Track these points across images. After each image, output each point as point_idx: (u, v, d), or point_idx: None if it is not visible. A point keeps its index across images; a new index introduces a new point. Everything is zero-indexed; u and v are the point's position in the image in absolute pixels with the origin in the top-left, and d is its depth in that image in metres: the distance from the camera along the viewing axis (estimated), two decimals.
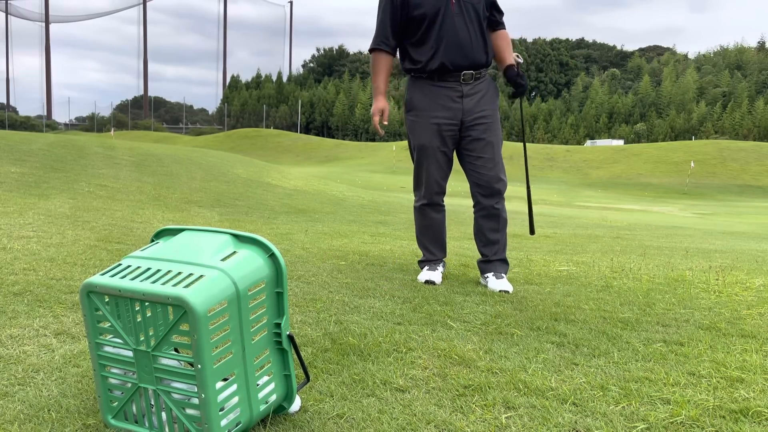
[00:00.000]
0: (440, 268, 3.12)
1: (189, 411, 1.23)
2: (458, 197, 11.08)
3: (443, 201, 3.12)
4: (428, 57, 2.89)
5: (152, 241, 1.42)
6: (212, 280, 1.21)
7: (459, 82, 2.89)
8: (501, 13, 3.02)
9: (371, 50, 3.01)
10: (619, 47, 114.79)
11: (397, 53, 3.05)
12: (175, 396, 1.25)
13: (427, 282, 2.97)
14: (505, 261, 3.03)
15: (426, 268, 3.12)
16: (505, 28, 3.06)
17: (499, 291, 2.83)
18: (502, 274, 2.96)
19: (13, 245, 3.26)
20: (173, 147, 17.72)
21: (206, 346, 1.17)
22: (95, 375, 1.31)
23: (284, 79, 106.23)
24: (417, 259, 3.32)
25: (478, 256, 3.10)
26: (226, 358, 1.24)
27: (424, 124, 2.94)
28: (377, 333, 2.06)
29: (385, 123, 2.97)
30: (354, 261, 3.59)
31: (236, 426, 1.26)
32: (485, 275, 3.00)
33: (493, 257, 3.00)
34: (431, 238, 3.14)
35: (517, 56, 3.05)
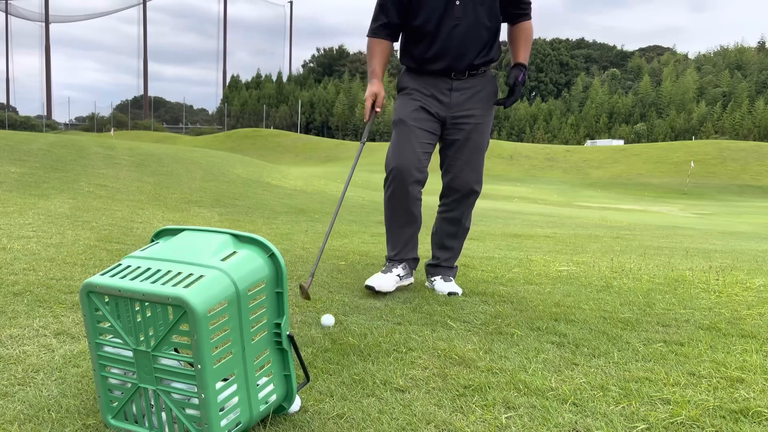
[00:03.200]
0: (397, 271, 2.76)
1: (189, 411, 1.23)
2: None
3: (419, 187, 2.71)
4: (424, 60, 2.71)
5: (152, 241, 1.42)
6: (212, 280, 1.21)
7: (450, 77, 2.70)
8: (525, 3, 2.74)
9: (368, 36, 2.76)
10: (619, 47, 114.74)
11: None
12: (175, 396, 1.25)
13: (368, 288, 2.64)
14: (454, 267, 2.92)
15: (382, 269, 2.79)
16: (528, 19, 2.78)
17: (448, 293, 2.73)
18: (450, 278, 2.85)
19: (13, 245, 3.26)
20: (173, 147, 17.72)
21: (206, 346, 1.17)
22: (95, 375, 1.31)
23: (284, 79, 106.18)
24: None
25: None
26: (226, 358, 1.24)
27: (409, 101, 2.72)
28: (377, 333, 2.06)
29: (378, 111, 2.72)
30: (354, 261, 3.59)
31: (236, 426, 1.26)
32: (432, 278, 2.88)
33: (443, 263, 2.88)
34: (397, 226, 2.76)
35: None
